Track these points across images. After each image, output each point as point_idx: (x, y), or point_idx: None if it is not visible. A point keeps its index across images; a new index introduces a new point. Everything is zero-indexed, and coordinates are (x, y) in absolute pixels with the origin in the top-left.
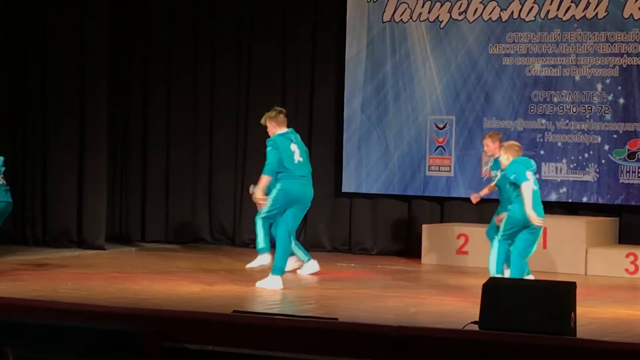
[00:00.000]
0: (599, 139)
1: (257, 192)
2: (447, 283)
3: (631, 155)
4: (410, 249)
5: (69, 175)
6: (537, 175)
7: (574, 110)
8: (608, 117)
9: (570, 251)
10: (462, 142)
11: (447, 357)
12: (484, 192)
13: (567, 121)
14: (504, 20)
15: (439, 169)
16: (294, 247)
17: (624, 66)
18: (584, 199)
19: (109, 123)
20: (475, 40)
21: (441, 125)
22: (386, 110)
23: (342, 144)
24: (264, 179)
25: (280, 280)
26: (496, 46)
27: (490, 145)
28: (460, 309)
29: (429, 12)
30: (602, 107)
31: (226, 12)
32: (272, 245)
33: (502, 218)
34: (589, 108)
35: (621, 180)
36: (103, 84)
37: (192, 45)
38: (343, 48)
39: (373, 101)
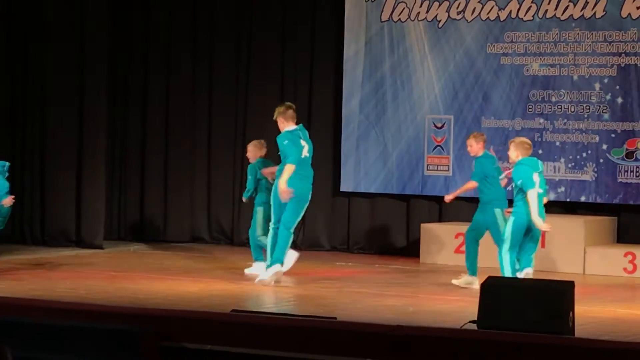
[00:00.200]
0: (597, 139)
1: (282, 184)
2: (445, 282)
3: (629, 155)
4: (408, 248)
5: (67, 175)
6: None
7: (572, 110)
8: (606, 116)
9: (568, 250)
10: (460, 141)
11: (446, 356)
12: (459, 191)
13: (565, 120)
14: (502, 19)
15: (437, 168)
16: (261, 242)
17: (622, 65)
18: (582, 198)
19: (108, 123)
20: (473, 40)
21: (439, 125)
22: (384, 109)
23: (340, 143)
24: (290, 169)
25: (279, 267)
26: (494, 46)
27: (474, 146)
28: (459, 308)
29: (427, 12)
30: (600, 106)
31: (225, 11)
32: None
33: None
34: (587, 107)
35: (619, 180)
36: (102, 84)
37: (190, 44)
38: (341, 47)
39: (371, 100)
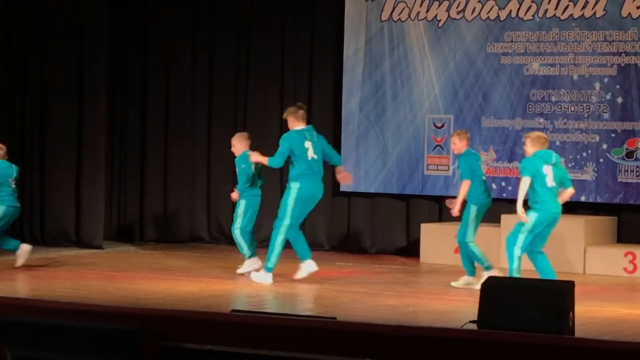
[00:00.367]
0: (597, 138)
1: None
2: (445, 282)
3: (629, 154)
4: (408, 248)
5: (67, 175)
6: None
7: (572, 110)
8: (606, 116)
9: (568, 250)
10: None
11: (446, 357)
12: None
13: (566, 120)
14: (502, 19)
15: (437, 168)
16: (243, 239)
17: (622, 65)
18: (582, 198)
19: (107, 123)
20: (473, 39)
21: (439, 124)
22: (384, 109)
23: (340, 143)
24: (264, 160)
25: (270, 275)
26: (494, 45)
27: (457, 144)
28: (459, 308)
29: (427, 11)
30: (600, 106)
31: (225, 10)
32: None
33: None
34: (587, 107)
35: (619, 179)
36: (102, 84)
37: (190, 43)
38: (341, 47)
39: (371, 100)
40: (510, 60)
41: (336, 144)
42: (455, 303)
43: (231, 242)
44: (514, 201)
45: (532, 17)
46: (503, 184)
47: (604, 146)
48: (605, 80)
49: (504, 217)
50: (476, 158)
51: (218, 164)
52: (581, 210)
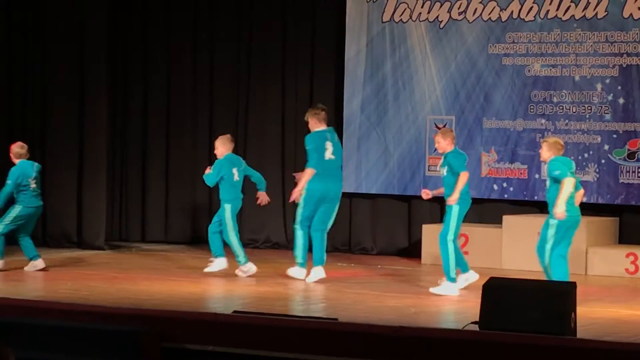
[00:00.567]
0: (599, 139)
1: (300, 185)
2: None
3: (631, 155)
4: (410, 249)
5: (68, 176)
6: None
7: (574, 110)
8: (608, 117)
9: (570, 251)
10: (461, 142)
11: (448, 358)
12: (439, 191)
13: (567, 121)
14: (503, 20)
15: (438, 169)
16: (216, 239)
17: (624, 66)
18: (584, 199)
19: (108, 123)
20: (474, 40)
21: (441, 125)
22: (386, 110)
23: (341, 144)
24: (309, 173)
25: (321, 270)
26: (496, 46)
27: (441, 143)
28: (460, 309)
29: (429, 12)
30: (601, 107)
31: (225, 11)
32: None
33: None
34: (589, 108)
35: (621, 180)
36: (103, 85)
37: (191, 44)
38: (342, 48)
39: (372, 101)
40: (511, 61)
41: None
42: (457, 304)
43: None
44: (515, 202)
45: (533, 18)
46: (504, 184)
47: (606, 147)
48: (607, 81)
49: (506, 218)
50: (464, 157)
51: None
52: (583, 211)
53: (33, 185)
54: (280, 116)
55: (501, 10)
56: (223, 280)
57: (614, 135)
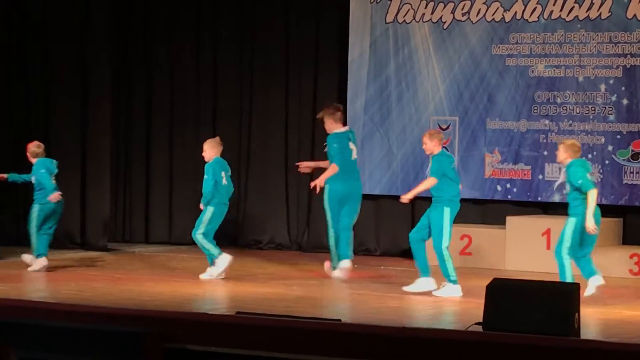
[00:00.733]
0: (603, 140)
1: (321, 180)
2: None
3: (635, 156)
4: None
5: (72, 176)
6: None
7: (578, 111)
8: (612, 117)
9: None
10: (465, 142)
11: (451, 359)
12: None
13: (571, 122)
14: (507, 20)
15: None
16: (207, 241)
17: (628, 67)
18: None
19: (112, 124)
20: (478, 41)
21: (444, 126)
22: (389, 111)
23: None
24: (334, 169)
25: (348, 263)
26: (499, 47)
27: (428, 144)
28: (464, 310)
29: (432, 13)
30: (605, 107)
31: (228, 12)
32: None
33: None
34: (593, 109)
35: (625, 181)
36: (106, 85)
37: (194, 45)
38: (346, 49)
39: (376, 102)
40: (515, 62)
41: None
42: (460, 305)
43: (236, 244)
44: (519, 203)
45: (537, 19)
46: (508, 185)
47: (610, 148)
48: (611, 81)
49: (509, 219)
50: (450, 160)
51: None
52: None
53: (53, 181)
54: (283, 117)
55: (505, 11)
56: (225, 281)
57: (618, 136)
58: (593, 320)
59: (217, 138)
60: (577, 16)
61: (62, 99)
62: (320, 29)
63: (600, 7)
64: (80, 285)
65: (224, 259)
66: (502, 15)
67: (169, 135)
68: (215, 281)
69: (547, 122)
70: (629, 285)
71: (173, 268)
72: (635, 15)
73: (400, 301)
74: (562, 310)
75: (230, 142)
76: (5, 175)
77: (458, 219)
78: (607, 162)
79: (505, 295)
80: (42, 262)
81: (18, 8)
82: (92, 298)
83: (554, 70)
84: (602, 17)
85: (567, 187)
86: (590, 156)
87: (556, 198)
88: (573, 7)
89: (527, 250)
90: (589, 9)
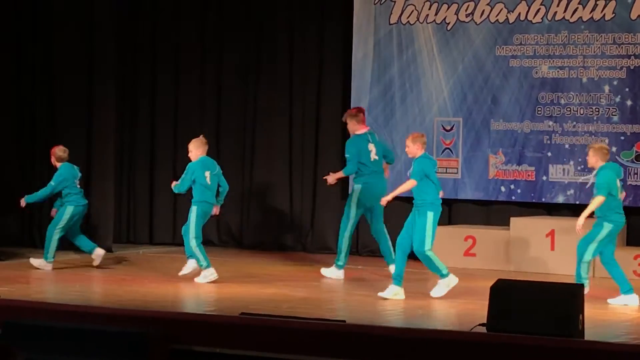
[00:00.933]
0: (607, 141)
1: (332, 177)
2: (454, 285)
3: (639, 157)
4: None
5: None
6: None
7: (581, 112)
8: (615, 118)
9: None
10: (469, 144)
11: None
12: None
13: (575, 123)
14: (511, 22)
15: (446, 170)
16: (198, 250)
17: (632, 68)
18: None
19: (116, 126)
20: (482, 42)
21: (448, 127)
22: (393, 112)
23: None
24: (340, 176)
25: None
26: (503, 48)
27: (410, 147)
28: (468, 311)
29: (436, 14)
30: (609, 108)
31: (233, 12)
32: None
33: None
34: (597, 110)
35: (629, 182)
36: (111, 88)
37: (199, 44)
38: (350, 50)
39: (380, 103)
40: (519, 63)
41: (345, 147)
42: (464, 306)
43: (240, 245)
44: (523, 204)
45: (541, 20)
46: (512, 186)
47: (613, 149)
48: (615, 83)
49: (513, 220)
50: (432, 164)
51: (227, 168)
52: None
53: (78, 186)
54: (288, 118)
55: (508, 12)
56: (230, 283)
57: (622, 137)
58: (597, 321)
59: (202, 137)
60: (581, 17)
61: (66, 101)
62: (324, 30)
63: (604, 9)
64: (84, 286)
65: (191, 265)
66: (506, 16)
67: (173, 137)
68: (220, 283)
69: (551, 123)
70: (633, 286)
71: (178, 269)
72: (639, 16)
73: (405, 302)
74: (567, 312)
75: (235, 142)
76: (23, 202)
77: (461, 220)
78: None
79: (510, 297)
80: (98, 252)
81: (21, 9)
82: (97, 299)
83: (558, 71)
84: (606, 19)
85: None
86: None
87: (560, 199)
88: (577, 8)
89: (531, 251)
90: (593, 10)
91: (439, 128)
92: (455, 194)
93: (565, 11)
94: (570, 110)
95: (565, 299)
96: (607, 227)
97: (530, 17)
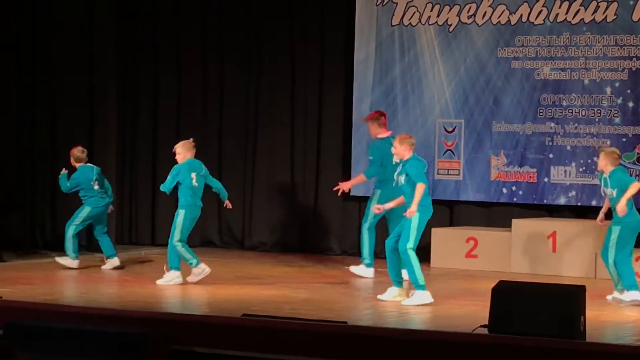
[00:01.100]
0: (608, 143)
1: (349, 184)
2: (456, 287)
3: None
4: (419, 253)
5: None
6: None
7: (583, 114)
8: (617, 120)
9: (579, 255)
10: (471, 145)
11: None
12: (389, 205)
13: (576, 125)
14: (512, 23)
15: (447, 172)
16: (185, 250)
17: (633, 69)
18: (593, 203)
19: (118, 127)
20: (484, 44)
21: (450, 129)
22: (395, 113)
23: (350, 147)
24: (362, 179)
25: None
26: (505, 50)
27: (397, 148)
28: (470, 312)
29: (438, 16)
30: (611, 110)
31: (234, 15)
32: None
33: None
34: (598, 111)
35: None
36: (112, 89)
37: (200, 45)
38: (352, 51)
39: (382, 104)
40: (521, 65)
41: (346, 149)
42: (466, 307)
43: (242, 247)
44: (524, 206)
45: (543, 22)
46: (514, 188)
47: None
48: (616, 84)
49: (515, 222)
50: (423, 165)
51: (229, 169)
52: (592, 215)
53: (96, 187)
54: (289, 119)
55: (510, 13)
56: (231, 284)
57: (624, 139)
58: (599, 323)
59: (191, 140)
60: (582, 19)
61: (66, 101)
62: (325, 32)
63: (606, 10)
64: (86, 287)
65: (175, 276)
66: (508, 18)
67: (174, 137)
68: (221, 284)
69: (552, 124)
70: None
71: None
72: None
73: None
74: (568, 313)
75: (236, 142)
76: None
77: (463, 222)
78: None
79: (511, 298)
80: (114, 261)
81: (21, 9)
82: (99, 300)
83: (560, 73)
84: (608, 20)
85: (613, 193)
86: (596, 159)
87: (562, 201)
88: (579, 10)
89: (532, 252)
90: (595, 11)
91: (440, 129)
92: (457, 195)
93: (567, 13)
94: (572, 112)
95: (567, 301)
96: (616, 229)
97: (532, 19)
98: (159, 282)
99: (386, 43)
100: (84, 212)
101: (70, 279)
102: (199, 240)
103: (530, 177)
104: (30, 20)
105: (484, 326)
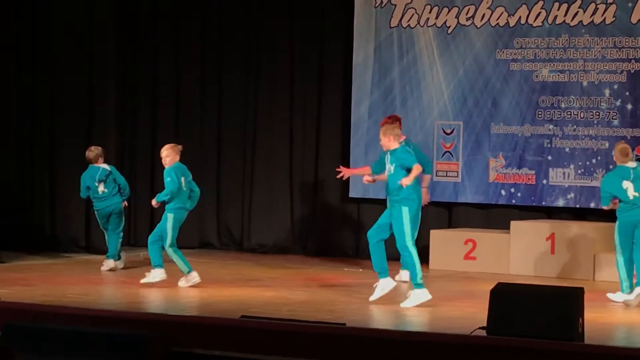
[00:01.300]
0: (607, 145)
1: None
2: (454, 289)
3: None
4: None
5: (77, 181)
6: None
7: (582, 116)
8: (616, 122)
9: (578, 257)
10: (469, 147)
11: None
12: (381, 177)
13: (575, 127)
14: (511, 25)
15: (446, 174)
16: (177, 256)
17: (632, 72)
18: (592, 205)
19: (117, 129)
20: (482, 46)
21: (449, 131)
22: None
23: (349, 149)
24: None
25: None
26: (504, 52)
27: (383, 139)
28: (468, 314)
29: (437, 18)
30: (610, 112)
31: (234, 15)
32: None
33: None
34: (597, 114)
35: None
36: (111, 88)
37: (200, 44)
38: (350, 53)
39: (380, 106)
40: (519, 67)
41: (345, 150)
42: (464, 309)
43: (241, 248)
44: (523, 207)
45: (541, 24)
46: (512, 190)
47: (613, 152)
48: (615, 86)
49: (514, 224)
50: (412, 152)
51: (228, 170)
52: (591, 216)
53: (101, 189)
54: (288, 120)
55: (509, 15)
56: (230, 285)
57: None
58: (597, 325)
59: (179, 145)
60: (581, 21)
61: (66, 101)
62: (324, 33)
63: (604, 12)
64: (85, 289)
65: (160, 273)
66: (507, 20)
67: (174, 138)
68: (220, 286)
69: (551, 126)
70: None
71: (177, 272)
72: (639, 20)
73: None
74: (566, 315)
75: (235, 144)
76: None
77: (462, 223)
78: (611, 167)
79: (510, 300)
80: (110, 263)
81: (21, 9)
82: (97, 301)
83: (558, 75)
84: (607, 22)
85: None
86: (594, 161)
87: (560, 203)
88: (577, 12)
89: (531, 254)
90: (593, 14)
91: (439, 131)
92: (456, 197)
93: (565, 15)
94: (570, 114)
95: (565, 303)
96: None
97: (530, 21)
98: (143, 281)
99: (385, 45)
100: (97, 214)
101: (69, 281)
102: (197, 241)
103: (528, 179)
104: (30, 20)
105: (483, 328)
